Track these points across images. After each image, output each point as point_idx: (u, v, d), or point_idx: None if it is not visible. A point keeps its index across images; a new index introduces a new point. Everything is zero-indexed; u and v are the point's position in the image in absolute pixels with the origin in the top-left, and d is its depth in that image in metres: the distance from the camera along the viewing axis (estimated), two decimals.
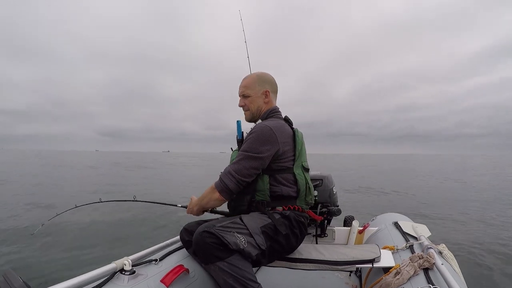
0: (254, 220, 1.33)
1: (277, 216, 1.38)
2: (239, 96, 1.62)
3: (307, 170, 1.54)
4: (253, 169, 1.37)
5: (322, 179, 2.09)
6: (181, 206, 1.78)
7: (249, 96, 1.57)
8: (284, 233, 1.36)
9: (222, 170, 1.44)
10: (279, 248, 1.39)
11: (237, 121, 1.61)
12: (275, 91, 1.62)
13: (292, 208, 1.43)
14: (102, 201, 1.84)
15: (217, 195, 1.41)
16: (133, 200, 1.89)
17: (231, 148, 1.72)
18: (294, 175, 1.44)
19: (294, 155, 1.46)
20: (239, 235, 1.23)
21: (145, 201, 1.92)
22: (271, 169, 1.41)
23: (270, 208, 1.42)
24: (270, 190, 1.42)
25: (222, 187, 1.39)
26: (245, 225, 1.28)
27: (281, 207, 1.43)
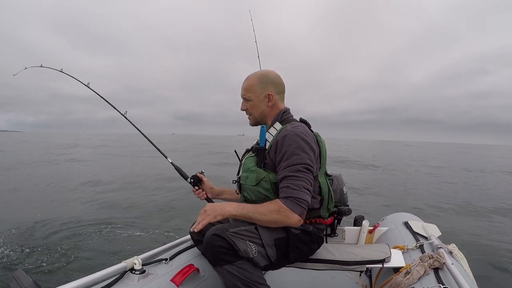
0: (270, 231, 1.27)
1: (297, 231, 1.29)
2: (242, 98, 1.49)
3: (328, 176, 1.44)
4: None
5: (332, 179, 2.09)
6: (171, 163, 1.65)
7: (250, 100, 1.43)
8: (295, 251, 1.30)
9: (285, 194, 1.22)
10: (290, 260, 1.35)
11: (262, 126, 1.42)
12: (280, 92, 1.46)
13: (313, 221, 1.36)
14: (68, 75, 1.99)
15: (296, 219, 1.21)
16: (123, 115, 1.88)
17: (246, 149, 1.54)
18: (319, 183, 1.35)
19: (320, 162, 1.36)
20: (251, 244, 1.20)
21: (134, 125, 1.88)
22: None
23: None
24: None
25: (303, 209, 1.21)
26: (259, 235, 1.24)
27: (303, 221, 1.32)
